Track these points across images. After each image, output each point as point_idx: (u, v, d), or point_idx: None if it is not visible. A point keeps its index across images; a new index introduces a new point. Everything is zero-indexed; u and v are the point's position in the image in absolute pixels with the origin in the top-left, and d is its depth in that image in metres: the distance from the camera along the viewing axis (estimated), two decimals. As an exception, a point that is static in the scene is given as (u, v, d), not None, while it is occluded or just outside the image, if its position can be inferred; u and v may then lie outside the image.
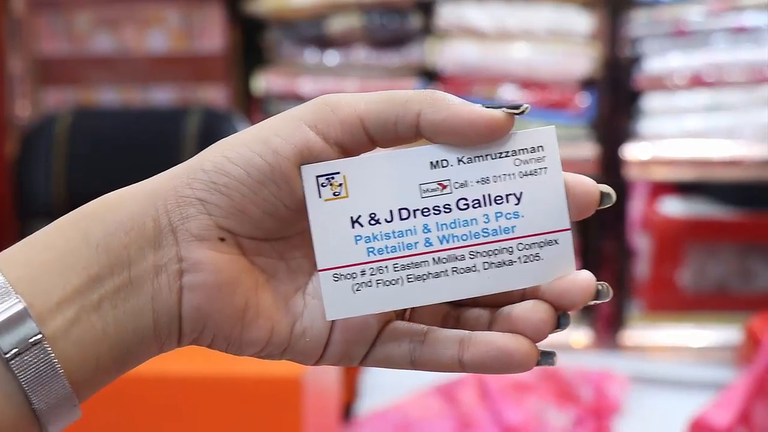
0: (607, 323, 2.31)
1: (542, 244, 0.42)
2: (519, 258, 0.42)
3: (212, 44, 2.37)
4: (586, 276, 0.42)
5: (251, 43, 2.40)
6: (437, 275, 0.42)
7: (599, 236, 2.32)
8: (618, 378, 1.98)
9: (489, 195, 0.42)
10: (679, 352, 2.27)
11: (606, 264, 2.33)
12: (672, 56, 2.23)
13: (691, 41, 2.23)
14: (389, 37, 2.32)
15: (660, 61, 2.24)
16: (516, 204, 0.42)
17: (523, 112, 0.42)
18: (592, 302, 0.42)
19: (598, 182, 0.42)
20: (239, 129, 1.65)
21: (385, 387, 1.97)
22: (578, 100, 2.26)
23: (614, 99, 2.29)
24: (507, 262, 0.42)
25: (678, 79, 2.22)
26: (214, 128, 1.99)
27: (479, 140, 0.41)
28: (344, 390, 1.82)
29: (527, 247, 0.42)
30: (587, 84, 2.28)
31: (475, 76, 2.28)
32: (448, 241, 0.42)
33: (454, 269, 0.42)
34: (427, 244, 0.42)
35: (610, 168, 2.24)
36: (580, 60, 2.26)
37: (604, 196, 0.42)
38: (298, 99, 2.32)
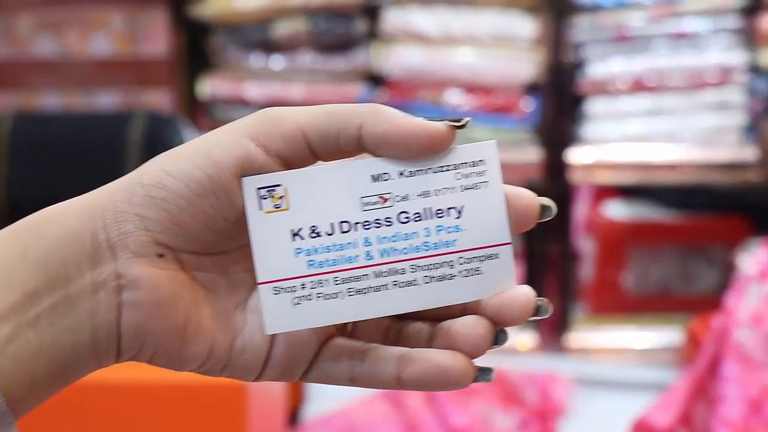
0: (552, 326, 2.33)
1: (483, 258, 0.42)
2: (460, 272, 0.42)
3: (157, 48, 2.35)
4: (526, 291, 0.42)
5: (196, 48, 2.39)
6: (378, 289, 0.42)
7: (544, 240, 2.34)
8: (563, 380, 2.00)
9: (430, 208, 0.42)
10: (622, 353, 2.30)
11: (551, 267, 2.35)
12: (614, 61, 2.26)
13: (633, 46, 2.26)
14: (335, 41, 2.32)
15: (602, 66, 2.27)
16: (457, 218, 0.42)
17: (464, 126, 0.42)
18: (532, 318, 0.42)
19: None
20: (184, 134, 1.64)
21: (331, 392, 1.97)
22: (522, 105, 2.27)
23: (558, 103, 2.31)
24: (448, 276, 0.42)
25: (620, 83, 2.25)
26: (158, 133, 1.98)
27: (421, 153, 0.41)
28: (290, 395, 1.81)
29: (468, 260, 0.42)
30: (531, 88, 2.30)
31: (420, 80, 2.29)
32: (389, 255, 0.42)
33: (395, 283, 0.42)
34: (368, 258, 0.42)
35: (554, 172, 2.26)
36: (524, 65, 2.28)
37: (544, 208, 0.42)
38: (244, 103, 2.31)
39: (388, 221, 0.42)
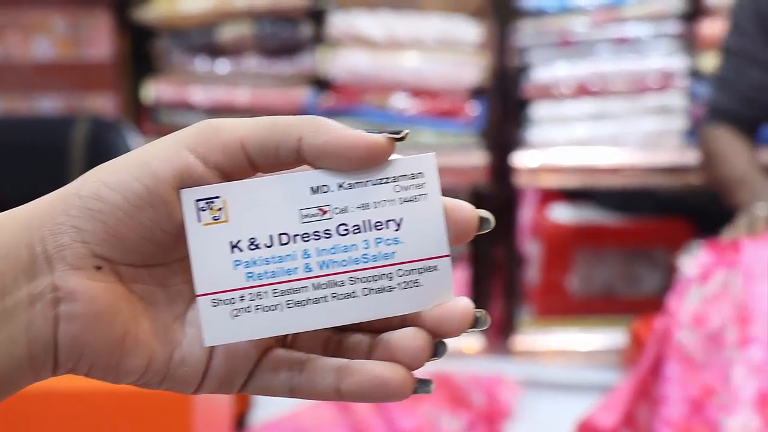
0: (499, 329, 2.35)
1: (422, 270, 0.42)
2: (399, 284, 0.42)
3: (100, 52, 2.33)
4: (465, 303, 0.42)
5: (140, 51, 2.37)
6: (317, 301, 0.42)
7: (490, 244, 2.35)
8: (509, 383, 2.01)
9: (369, 221, 0.42)
10: (568, 355, 2.32)
11: (497, 271, 2.37)
12: (558, 66, 2.28)
13: (576, 51, 2.29)
14: (280, 45, 2.32)
15: (547, 70, 2.29)
16: (396, 230, 0.42)
17: (403, 138, 0.42)
18: (470, 330, 0.42)
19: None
20: (129, 138, 1.62)
21: (277, 399, 1.96)
22: (468, 109, 2.28)
23: (503, 107, 2.32)
24: (387, 288, 0.42)
25: (564, 88, 2.27)
26: (102, 138, 1.96)
27: (360, 165, 0.42)
28: (237, 400, 1.80)
29: (407, 273, 0.42)
30: (477, 93, 2.32)
31: (366, 84, 2.30)
32: (328, 267, 0.42)
33: (334, 295, 0.42)
34: (307, 270, 0.42)
35: (499, 175, 2.28)
36: (469, 69, 2.29)
37: (483, 220, 0.43)
38: (189, 108, 2.30)
39: (327, 233, 0.42)
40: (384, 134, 0.42)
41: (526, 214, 2.61)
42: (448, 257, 0.42)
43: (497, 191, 2.29)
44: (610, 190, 2.44)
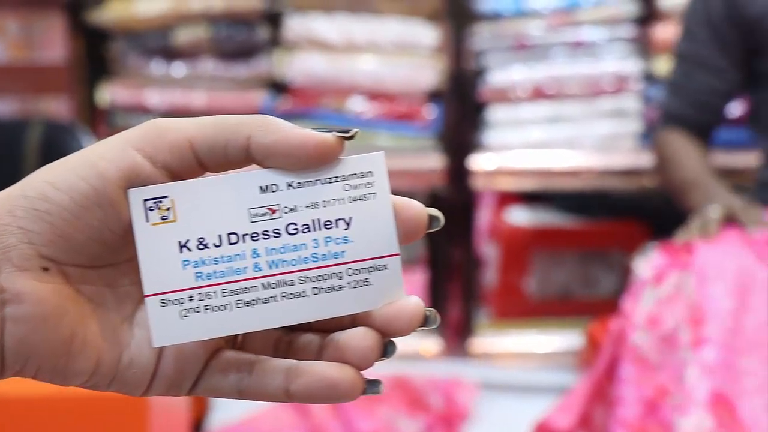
0: (456, 331, 2.35)
1: (372, 269, 0.42)
2: (349, 283, 0.42)
3: (54, 55, 2.30)
4: (415, 302, 0.42)
5: (95, 54, 2.35)
6: (266, 301, 0.42)
7: (448, 246, 2.36)
8: (467, 385, 2.02)
9: (318, 220, 0.42)
10: (525, 357, 2.33)
11: (454, 273, 2.37)
12: (514, 69, 2.29)
13: (532, 55, 2.30)
14: (237, 48, 2.31)
15: (503, 73, 2.30)
16: (345, 229, 0.42)
17: (352, 137, 0.42)
18: (420, 329, 0.42)
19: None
20: (83, 141, 1.60)
21: (236, 400, 1.95)
22: (425, 112, 2.29)
23: (460, 111, 2.33)
24: (337, 288, 0.42)
25: (520, 91, 2.28)
26: (56, 141, 1.94)
27: (309, 164, 0.42)
28: (194, 404, 1.79)
29: (357, 272, 0.42)
30: (434, 96, 2.32)
31: (323, 87, 2.29)
32: (277, 266, 0.42)
33: (284, 294, 0.42)
34: (257, 269, 0.42)
35: (457, 178, 2.28)
36: (426, 72, 2.30)
37: (432, 219, 0.43)
38: (145, 111, 2.28)
39: (277, 233, 0.42)
40: (333, 133, 0.42)
41: (484, 216, 2.61)
42: (397, 256, 0.42)
43: (454, 194, 2.30)
44: (566, 192, 2.46)
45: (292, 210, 0.42)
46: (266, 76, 2.32)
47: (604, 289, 2.45)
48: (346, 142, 0.42)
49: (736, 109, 2.14)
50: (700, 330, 1.30)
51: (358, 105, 2.28)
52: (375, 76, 2.29)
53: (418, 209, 0.42)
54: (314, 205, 0.42)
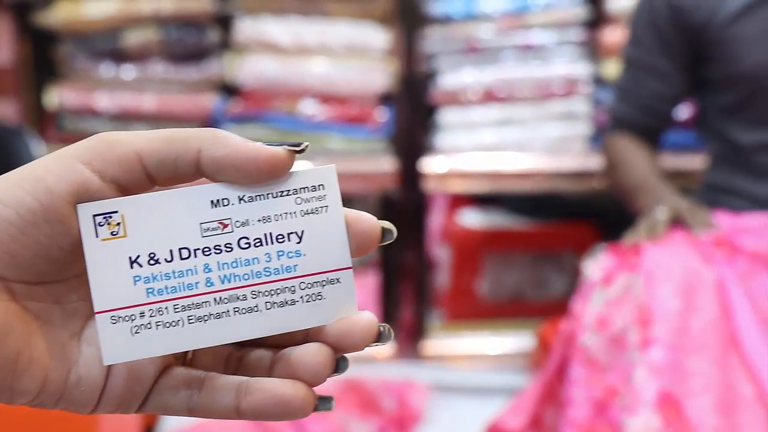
0: (409, 334, 2.36)
1: (324, 283, 0.42)
2: (302, 297, 0.42)
3: (1, 57, 2.27)
4: (368, 317, 0.42)
5: (43, 56, 2.33)
6: (219, 316, 0.42)
7: (400, 248, 2.36)
8: (419, 387, 2.03)
9: (270, 234, 0.42)
10: (478, 359, 2.34)
11: (407, 276, 2.38)
12: (465, 72, 2.30)
13: (483, 58, 2.31)
14: (187, 51, 2.29)
15: (454, 76, 2.31)
16: (298, 243, 0.42)
17: (303, 150, 0.42)
18: (373, 345, 0.42)
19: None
20: (31, 145, 1.58)
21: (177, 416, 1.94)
22: (377, 115, 2.29)
23: (411, 113, 2.33)
24: (290, 302, 0.42)
25: (471, 94, 2.29)
26: (4, 144, 1.92)
27: (260, 178, 0.41)
28: (145, 411, 1.78)
29: (309, 285, 0.42)
30: (385, 99, 2.32)
31: (275, 90, 2.29)
32: (230, 281, 0.42)
33: (236, 309, 0.42)
34: (209, 284, 0.42)
35: (409, 181, 2.29)
36: (377, 75, 2.30)
37: (385, 232, 0.43)
38: (94, 114, 2.26)
39: (229, 247, 0.42)
40: (284, 147, 0.42)
41: (436, 219, 2.62)
42: (350, 269, 0.43)
43: (406, 197, 2.30)
44: (518, 194, 2.47)
45: (244, 224, 0.42)
46: (217, 79, 2.30)
47: (556, 290, 2.47)
48: (297, 154, 0.42)
49: (683, 112, 2.17)
50: (648, 331, 1.32)
51: (309, 108, 2.28)
52: (326, 78, 2.28)
53: (370, 222, 0.43)
54: (266, 219, 0.42)
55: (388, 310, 2.34)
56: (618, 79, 1.75)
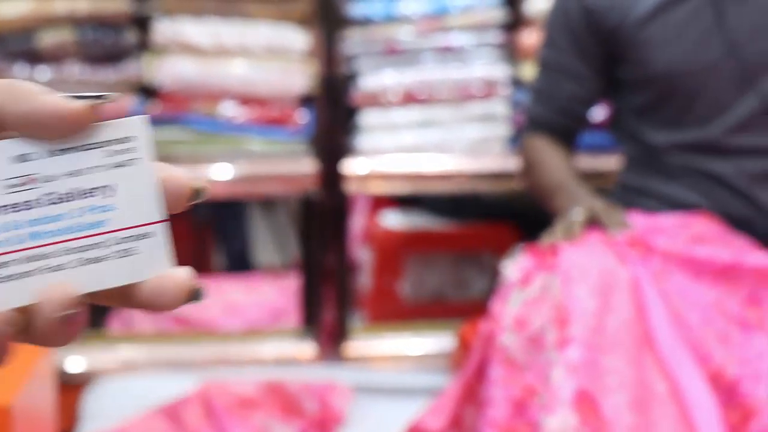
0: (331, 335, 2.35)
1: (137, 238, 0.41)
2: (114, 252, 0.41)
3: None
4: (182, 274, 0.41)
5: (-46, 57, 2.27)
6: (28, 274, 0.40)
7: (321, 250, 2.36)
8: (341, 389, 2.02)
9: (79, 188, 0.41)
10: (400, 360, 2.35)
11: (328, 278, 2.37)
12: (385, 74, 2.31)
13: (403, 59, 2.32)
14: (104, 52, 2.26)
15: (374, 78, 2.31)
16: (108, 197, 0.41)
17: (106, 101, 0.41)
18: (188, 303, 0.41)
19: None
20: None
21: (107, 411, 1.91)
22: (297, 116, 2.29)
23: (332, 115, 2.33)
24: (102, 258, 0.41)
25: (391, 95, 2.30)
26: None
27: (64, 131, 0.40)
28: (61, 416, 1.75)
29: (121, 240, 0.41)
30: (306, 100, 2.32)
31: (194, 92, 2.27)
32: (39, 238, 0.40)
33: (48, 267, 0.40)
34: (18, 242, 0.40)
35: (329, 183, 2.28)
36: (297, 77, 2.29)
37: (197, 191, 0.42)
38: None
39: (36, 203, 0.40)
40: (86, 99, 0.41)
41: (357, 220, 2.63)
42: (162, 223, 0.42)
43: (328, 198, 2.30)
44: (438, 195, 2.48)
45: (51, 179, 0.41)
46: (135, 81, 2.28)
47: (477, 290, 2.49)
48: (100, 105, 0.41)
49: (599, 113, 2.20)
50: (565, 330, 1.33)
51: (229, 110, 2.26)
52: (246, 80, 2.27)
53: (180, 178, 0.42)
54: (74, 173, 0.41)
55: (310, 311, 2.33)
56: (534, 80, 1.77)
